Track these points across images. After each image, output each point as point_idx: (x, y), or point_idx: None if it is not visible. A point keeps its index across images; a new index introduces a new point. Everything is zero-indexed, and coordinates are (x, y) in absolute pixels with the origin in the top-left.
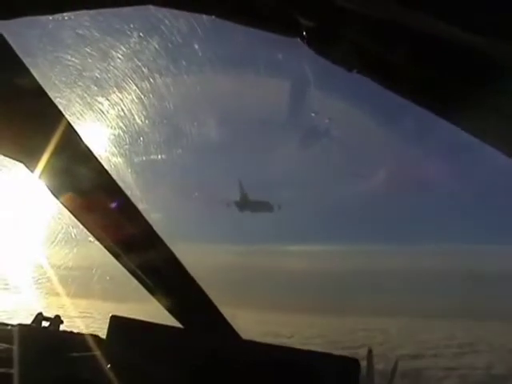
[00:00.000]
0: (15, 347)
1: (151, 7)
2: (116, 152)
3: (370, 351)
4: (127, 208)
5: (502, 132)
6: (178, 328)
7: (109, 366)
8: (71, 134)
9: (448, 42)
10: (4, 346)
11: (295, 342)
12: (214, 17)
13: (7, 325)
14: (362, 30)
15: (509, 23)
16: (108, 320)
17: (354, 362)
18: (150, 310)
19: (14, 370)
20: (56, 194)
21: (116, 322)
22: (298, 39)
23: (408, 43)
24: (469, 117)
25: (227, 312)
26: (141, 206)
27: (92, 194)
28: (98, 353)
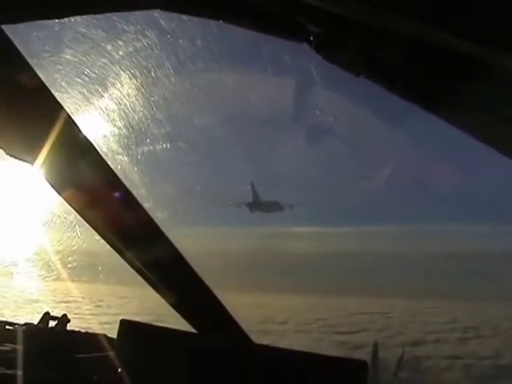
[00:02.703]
0: (22, 347)
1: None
2: (120, 149)
3: (375, 345)
4: (133, 206)
5: (505, 135)
6: (189, 332)
7: (117, 365)
8: (74, 131)
9: (451, 49)
10: (11, 346)
11: (288, 329)
12: (221, 21)
13: (14, 324)
14: (369, 36)
15: (506, 32)
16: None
17: (362, 365)
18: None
19: (21, 371)
20: (59, 191)
21: (126, 327)
22: (305, 44)
23: (414, 50)
24: (471, 119)
25: (227, 297)
26: (146, 206)
27: (95, 191)
28: (106, 353)
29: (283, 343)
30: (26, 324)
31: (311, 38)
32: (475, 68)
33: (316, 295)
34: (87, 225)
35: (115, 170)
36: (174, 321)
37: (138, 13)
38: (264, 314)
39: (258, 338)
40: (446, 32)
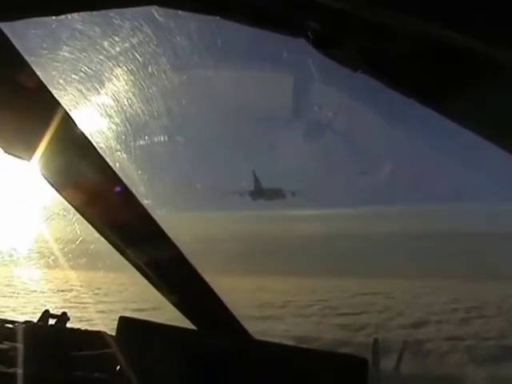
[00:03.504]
0: (22, 345)
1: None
2: (119, 145)
3: (375, 341)
4: (130, 202)
5: (504, 129)
6: (188, 329)
7: (117, 362)
8: (72, 128)
9: (450, 44)
10: (10, 344)
11: (288, 313)
12: (218, 18)
13: (13, 322)
14: (367, 31)
15: (506, 27)
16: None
17: (362, 361)
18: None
19: (21, 369)
20: (57, 187)
21: (124, 323)
22: (303, 40)
23: (412, 45)
24: (470, 114)
25: (226, 282)
26: (146, 202)
27: (93, 187)
28: (105, 350)
29: (282, 328)
30: (25, 322)
31: (309, 33)
32: (474, 63)
33: (317, 277)
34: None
35: (113, 166)
36: (171, 309)
37: (135, 9)
38: (264, 298)
39: (257, 323)
40: (444, 27)
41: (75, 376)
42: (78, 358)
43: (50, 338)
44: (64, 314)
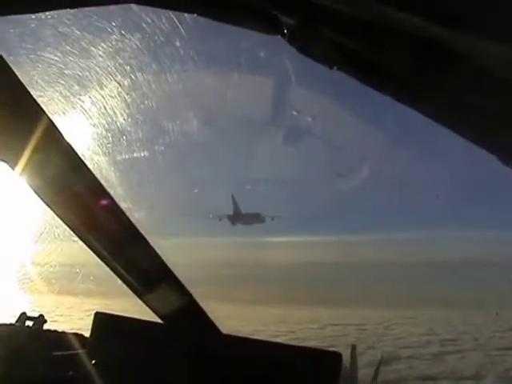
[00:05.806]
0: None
1: (133, 5)
2: (99, 150)
3: (353, 348)
4: (110, 207)
5: (483, 130)
6: (161, 323)
7: (93, 363)
8: (53, 133)
9: (428, 39)
10: None
11: None
12: (195, 15)
13: None
14: (343, 27)
15: (498, 24)
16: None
17: (335, 356)
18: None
19: None
20: (38, 192)
21: (100, 319)
22: (279, 37)
23: (388, 41)
24: (447, 113)
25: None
26: (124, 205)
27: (75, 193)
28: (81, 351)
29: None
30: (2, 324)
31: (285, 31)
32: (452, 58)
33: (290, 306)
34: (57, 234)
35: (93, 170)
36: None
37: (117, 12)
38: (232, 326)
39: None
40: (420, 20)
41: (52, 376)
42: (53, 358)
43: (27, 339)
44: (41, 316)
